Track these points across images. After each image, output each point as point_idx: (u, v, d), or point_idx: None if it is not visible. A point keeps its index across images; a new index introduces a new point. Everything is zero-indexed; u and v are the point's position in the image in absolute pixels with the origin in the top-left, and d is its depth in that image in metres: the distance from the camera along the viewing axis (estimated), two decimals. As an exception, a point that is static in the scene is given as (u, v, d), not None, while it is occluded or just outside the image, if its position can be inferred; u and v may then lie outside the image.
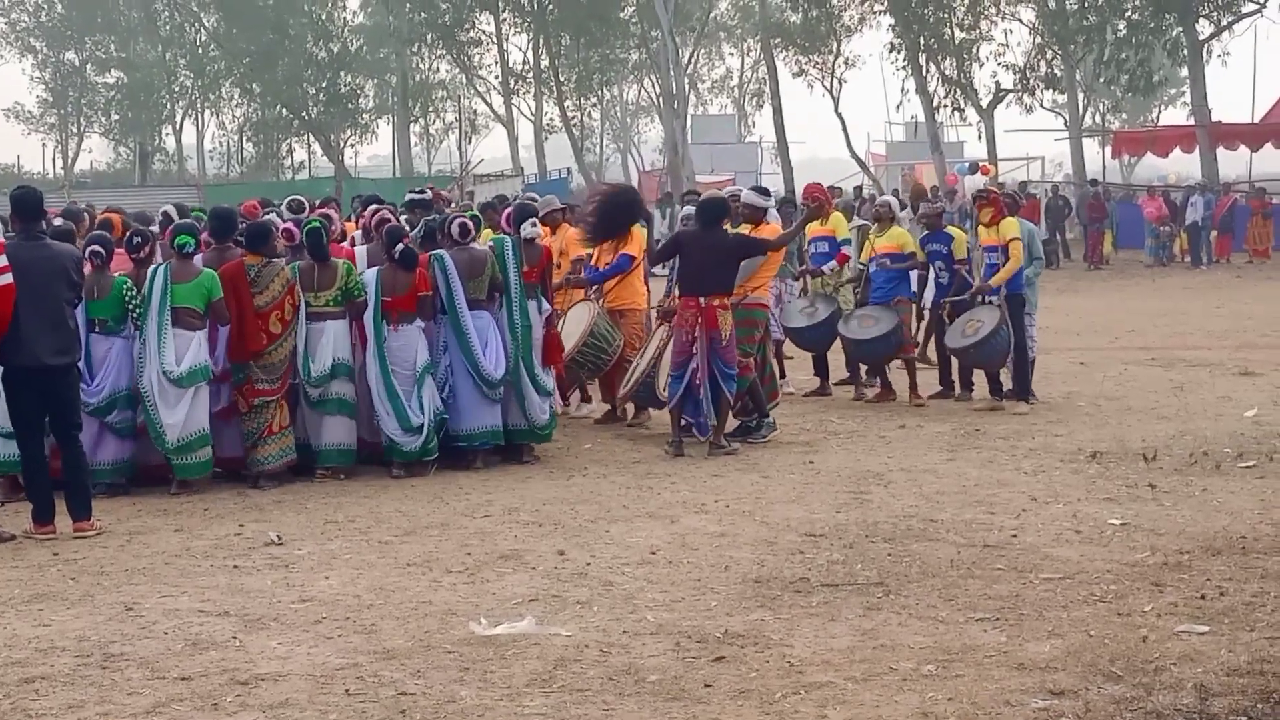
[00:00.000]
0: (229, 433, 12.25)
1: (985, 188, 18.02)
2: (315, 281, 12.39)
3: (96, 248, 11.90)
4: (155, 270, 11.90)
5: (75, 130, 68.77)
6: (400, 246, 12.53)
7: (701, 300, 12.96)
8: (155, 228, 13.66)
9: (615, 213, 13.73)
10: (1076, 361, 18.89)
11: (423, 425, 12.35)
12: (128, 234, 12.69)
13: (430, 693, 6.79)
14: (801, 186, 19.60)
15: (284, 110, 62.00)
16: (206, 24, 63.53)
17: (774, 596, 8.29)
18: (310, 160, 70.09)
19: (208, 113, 70.53)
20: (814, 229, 16.23)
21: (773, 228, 14.52)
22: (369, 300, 12.39)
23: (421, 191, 15.22)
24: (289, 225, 13.17)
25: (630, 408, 14.95)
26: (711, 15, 65.91)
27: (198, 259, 12.13)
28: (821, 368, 16.78)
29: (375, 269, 12.64)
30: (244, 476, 12.24)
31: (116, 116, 67.06)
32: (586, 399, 15.73)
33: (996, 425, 14.25)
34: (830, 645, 7.38)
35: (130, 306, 11.80)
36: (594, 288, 14.70)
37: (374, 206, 14.53)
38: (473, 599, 8.36)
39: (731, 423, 13.53)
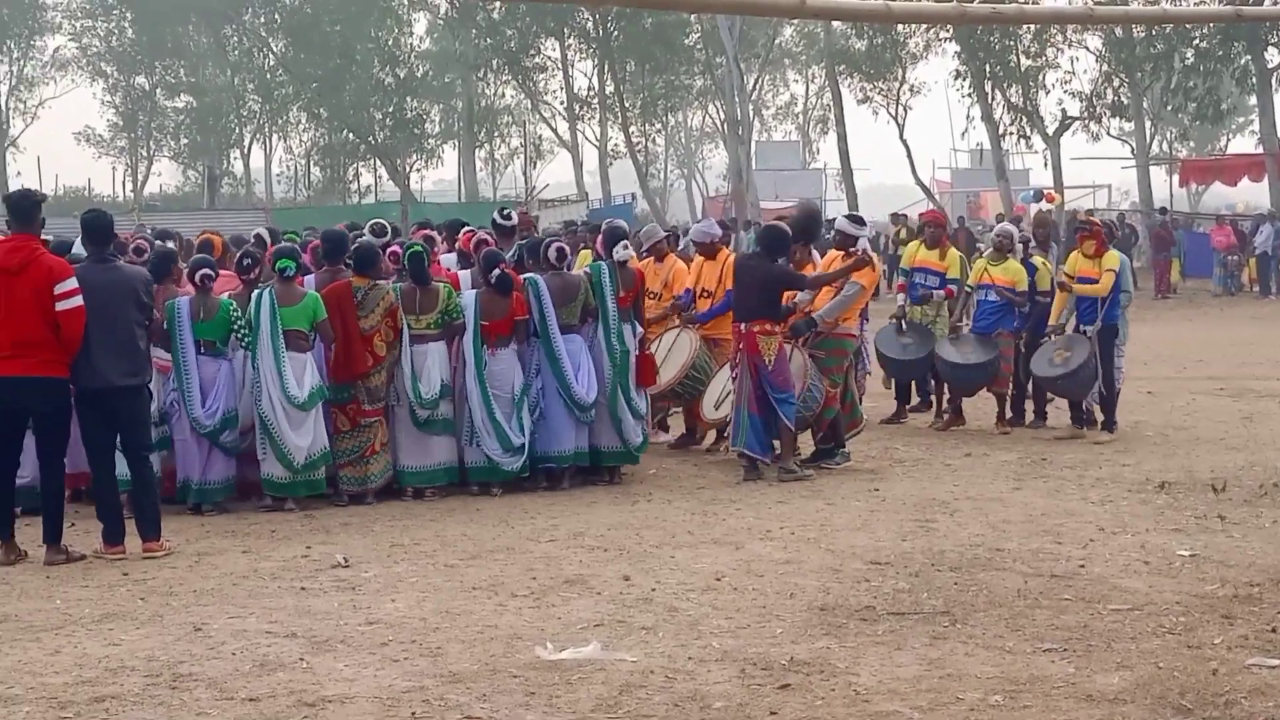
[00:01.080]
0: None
1: (1087, 218, 17.81)
2: (417, 304, 12.50)
3: (205, 270, 12.03)
4: (259, 295, 12.04)
5: (145, 154, 69.34)
6: (497, 271, 12.60)
7: (743, 326, 13.01)
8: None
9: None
10: (1144, 391, 18.75)
11: (523, 446, 12.48)
12: (239, 255, 12.85)
13: (496, 717, 6.80)
14: (867, 212, 19.53)
15: (350, 135, 62.36)
16: (275, 49, 64.00)
17: (839, 624, 8.27)
18: (376, 185, 70.43)
19: (275, 137, 70.97)
20: (924, 259, 16.21)
21: (830, 258, 14.57)
22: (468, 324, 12.47)
23: (508, 216, 15.29)
24: (395, 248, 13.27)
25: (711, 434, 14.98)
26: (776, 42, 65.86)
27: (309, 280, 12.22)
28: (903, 394, 16.72)
29: (474, 292, 12.75)
30: (334, 494, 12.35)
31: (185, 140, 67.59)
32: (664, 427, 15.72)
33: (1063, 454, 14.17)
34: (896, 674, 7.34)
35: (235, 328, 11.92)
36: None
37: (468, 229, 14.74)
38: (538, 623, 8.37)
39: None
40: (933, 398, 16.62)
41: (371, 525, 11.47)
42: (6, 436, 10.42)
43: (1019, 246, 15.91)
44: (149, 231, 19.27)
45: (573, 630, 8.19)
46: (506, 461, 12.51)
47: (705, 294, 14.85)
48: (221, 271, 12.68)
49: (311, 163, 69.68)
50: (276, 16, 62.77)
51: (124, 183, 70.26)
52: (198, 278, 12.04)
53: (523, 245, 13.96)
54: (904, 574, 9.44)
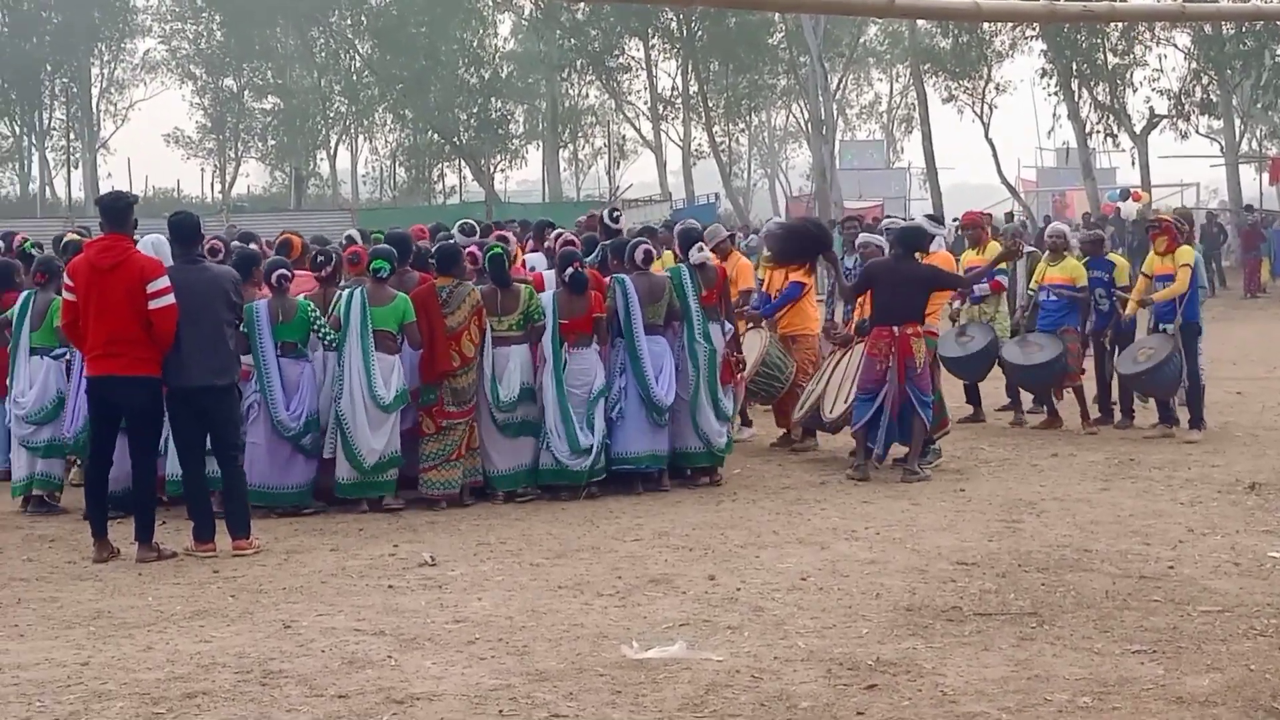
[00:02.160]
0: (408, 453, 12.37)
1: (1156, 216, 17.70)
2: (499, 306, 12.52)
3: (282, 271, 12.13)
4: (350, 294, 12.09)
5: (233, 155, 69.95)
6: (571, 270, 12.64)
7: (895, 329, 12.99)
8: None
9: (803, 242, 13.73)
10: (1233, 391, 18.56)
11: (591, 447, 12.47)
12: (313, 254, 12.95)
13: (582, 715, 6.83)
14: (951, 212, 19.44)
15: (435, 135, 62.70)
16: (361, 51, 64.39)
17: (926, 625, 8.24)
18: (461, 185, 70.73)
19: (361, 138, 71.40)
20: (968, 258, 16.18)
21: (944, 256, 14.58)
22: (548, 324, 12.51)
23: (616, 219, 15.37)
24: (473, 249, 13.36)
25: (798, 431, 14.98)
26: (861, 41, 65.66)
27: (393, 282, 12.32)
28: (973, 395, 16.66)
29: (552, 292, 12.77)
30: (420, 496, 12.38)
31: (273, 141, 68.12)
32: (748, 423, 15.73)
33: (1152, 455, 14.06)
34: (984, 675, 7.31)
35: (315, 327, 11.99)
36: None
37: (557, 231, 14.80)
38: (624, 622, 8.40)
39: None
40: (1016, 397, 16.55)
41: (458, 524, 11.53)
42: (101, 434, 10.58)
43: (1073, 243, 15.89)
44: (228, 232, 19.47)
45: (658, 629, 8.21)
46: (574, 463, 12.47)
47: (778, 293, 14.86)
48: (298, 272, 12.77)
49: (397, 163, 70.13)
50: (363, 18, 63.15)
51: (212, 184, 70.92)
52: (274, 279, 12.10)
53: (607, 246, 13.99)
54: (990, 574, 9.40)
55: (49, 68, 67.07)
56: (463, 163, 65.79)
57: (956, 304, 16.16)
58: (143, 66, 69.53)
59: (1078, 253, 16.04)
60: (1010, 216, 42.94)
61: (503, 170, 67.78)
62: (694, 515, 11.67)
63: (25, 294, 12.70)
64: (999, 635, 8.02)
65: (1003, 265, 15.49)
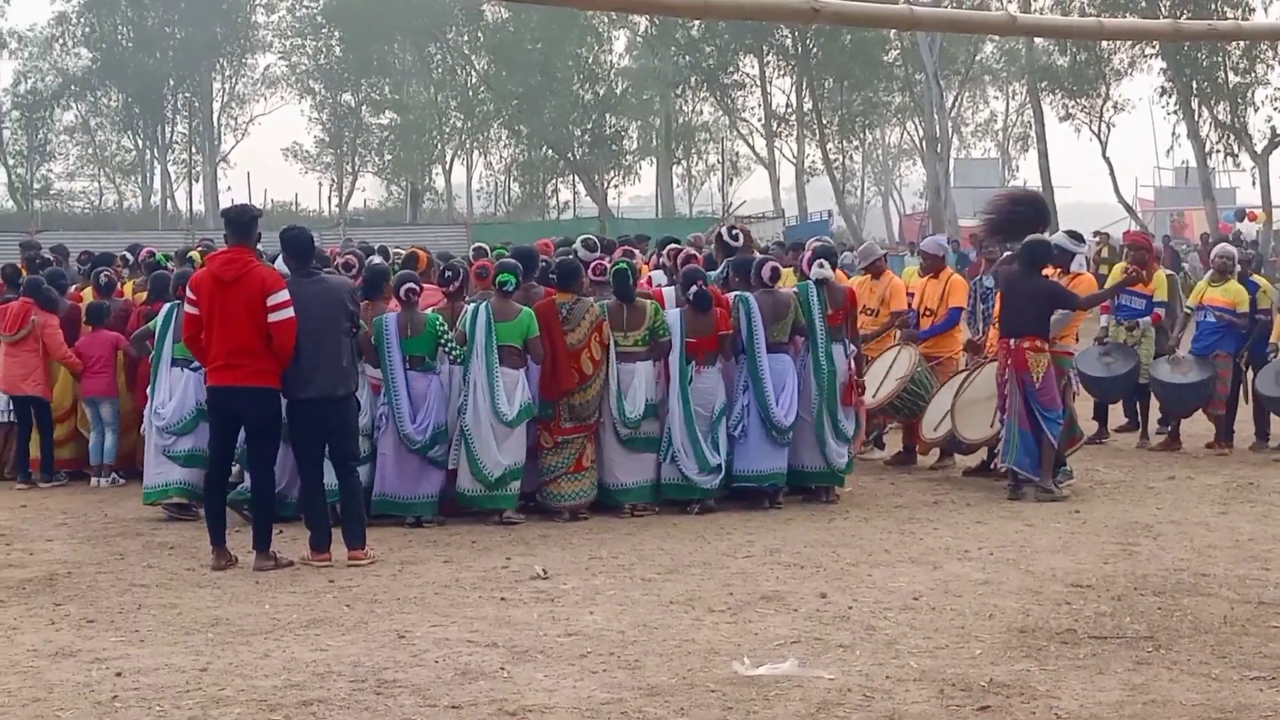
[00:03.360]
0: (530, 467, 12.43)
1: None
2: (624, 322, 12.56)
3: (410, 285, 12.24)
4: (475, 308, 12.17)
5: (350, 169, 70.60)
6: (695, 288, 12.65)
7: (1012, 342, 12.92)
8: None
9: (1020, 216, 13.69)
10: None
11: (720, 465, 12.48)
12: (441, 269, 13.07)
13: (694, 730, 6.85)
14: (1090, 232, 19.27)
15: (550, 151, 62.97)
16: (477, 67, 64.85)
17: (1040, 647, 8.18)
18: (575, 200, 71.03)
19: (476, 153, 71.91)
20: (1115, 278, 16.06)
21: (1087, 280, 14.52)
22: (674, 341, 12.53)
23: (736, 236, 15.38)
24: (599, 263, 13.42)
25: (935, 452, 14.94)
26: (977, 58, 65.23)
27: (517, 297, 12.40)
28: (1101, 413, 16.50)
29: (679, 309, 12.78)
30: (540, 510, 12.47)
31: (389, 156, 68.65)
32: (879, 444, 15.68)
33: (1272, 479, 13.86)
34: (1098, 699, 7.25)
35: (442, 341, 12.09)
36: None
37: (672, 246, 14.85)
38: (735, 639, 8.40)
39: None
40: (1140, 419, 16.39)
41: (570, 538, 11.58)
42: (220, 444, 10.74)
43: (1238, 266, 15.66)
44: (356, 245, 19.68)
45: (770, 646, 8.21)
46: (703, 481, 12.51)
47: (927, 312, 14.87)
48: (425, 286, 12.88)
49: (511, 179, 70.52)
50: (479, 35, 63.57)
51: (330, 198, 71.68)
52: (402, 293, 12.22)
53: (730, 263, 13.98)
54: (1106, 597, 9.31)
55: (172, 82, 68.15)
56: (576, 178, 66.03)
57: (1105, 320, 16.01)
58: (263, 81, 70.48)
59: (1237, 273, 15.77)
60: (1167, 240, 42.52)
61: (616, 186, 67.96)
62: (805, 532, 11.65)
63: (168, 306, 12.88)
64: (1114, 659, 7.94)
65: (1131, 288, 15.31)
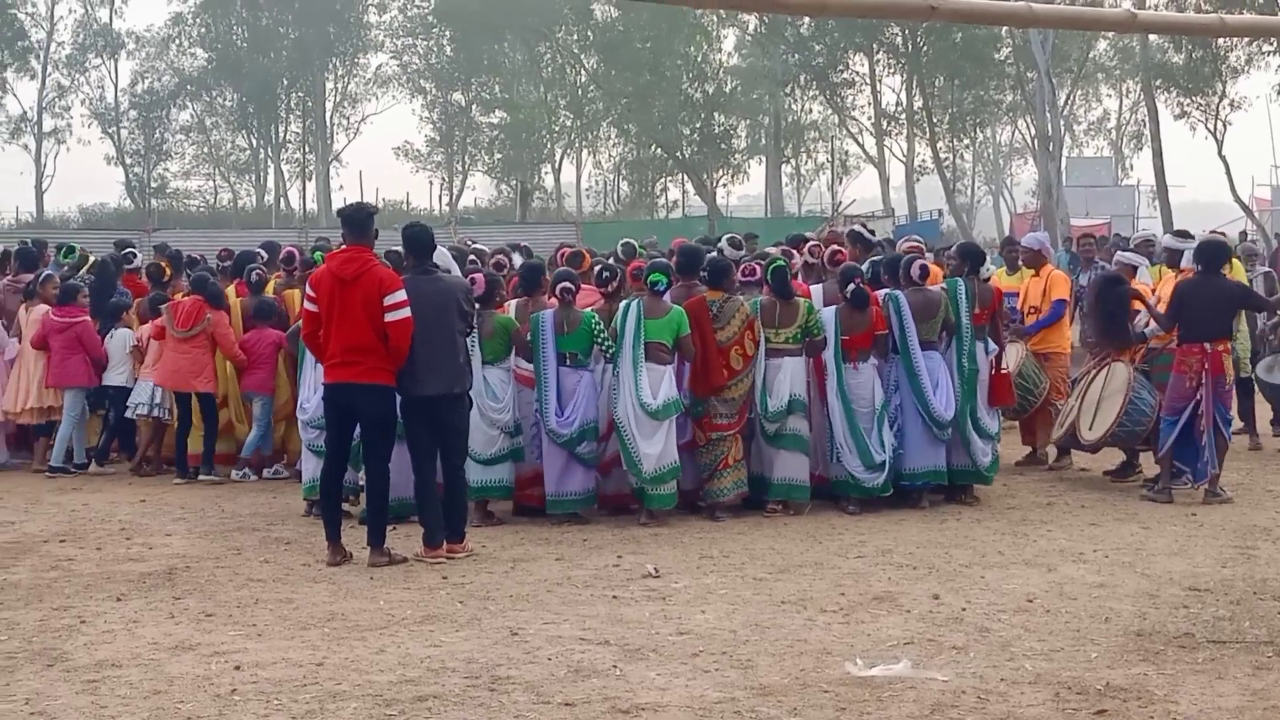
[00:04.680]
0: (688, 465, 12.48)
1: None
2: (777, 318, 12.58)
3: (567, 284, 12.33)
4: (628, 306, 12.25)
5: (460, 168, 71.09)
6: (852, 286, 12.66)
7: (1207, 346, 12.81)
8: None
9: None
10: None
11: (884, 463, 12.50)
12: (598, 269, 13.17)
13: (807, 730, 6.84)
14: (1205, 232, 19.01)
15: (659, 150, 63.02)
16: (587, 66, 65.03)
17: (1157, 651, 8.09)
18: (683, 199, 71.08)
19: (585, 152, 72.11)
20: None
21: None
22: (828, 339, 12.54)
23: (872, 231, 15.40)
24: (750, 261, 13.42)
25: (1052, 451, 14.82)
26: (1090, 56, 64.58)
27: (666, 295, 12.46)
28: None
29: (834, 307, 12.79)
30: (699, 508, 12.50)
31: (499, 155, 69.03)
32: None
33: (1393, 483, 13.65)
34: (1217, 704, 7.16)
35: (598, 339, 12.17)
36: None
37: (813, 244, 14.93)
38: (847, 639, 8.38)
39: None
40: (1249, 421, 16.20)
41: (681, 537, 11.59)
42: (337, 441, 10.85)
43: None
44: (458, 244, 19.83)
45: (883, 647, 8.18)
46: (868, 479, 12.52)
47: (1031, 310, 14.81)
48: (582, 286, 12.97)
49: (620, 177, 70.67)
50: (589, 34, 63.73)
51: (440, 196, 72.17)
52: (559, 291, 12.33)
53: (877, 261, 13.95)
54: (1224, 601, 9.20)
55: (285, 82, 68.95)
56: (685, 177, 66.06)
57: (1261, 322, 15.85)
58: (375, 81, 71.14)
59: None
60: (1244, 236, 41.88)
61: (725, 185, 67.93)
62: (917, 533, 11.60)
63: None
64: (1233, 664, 7.84)
65: None
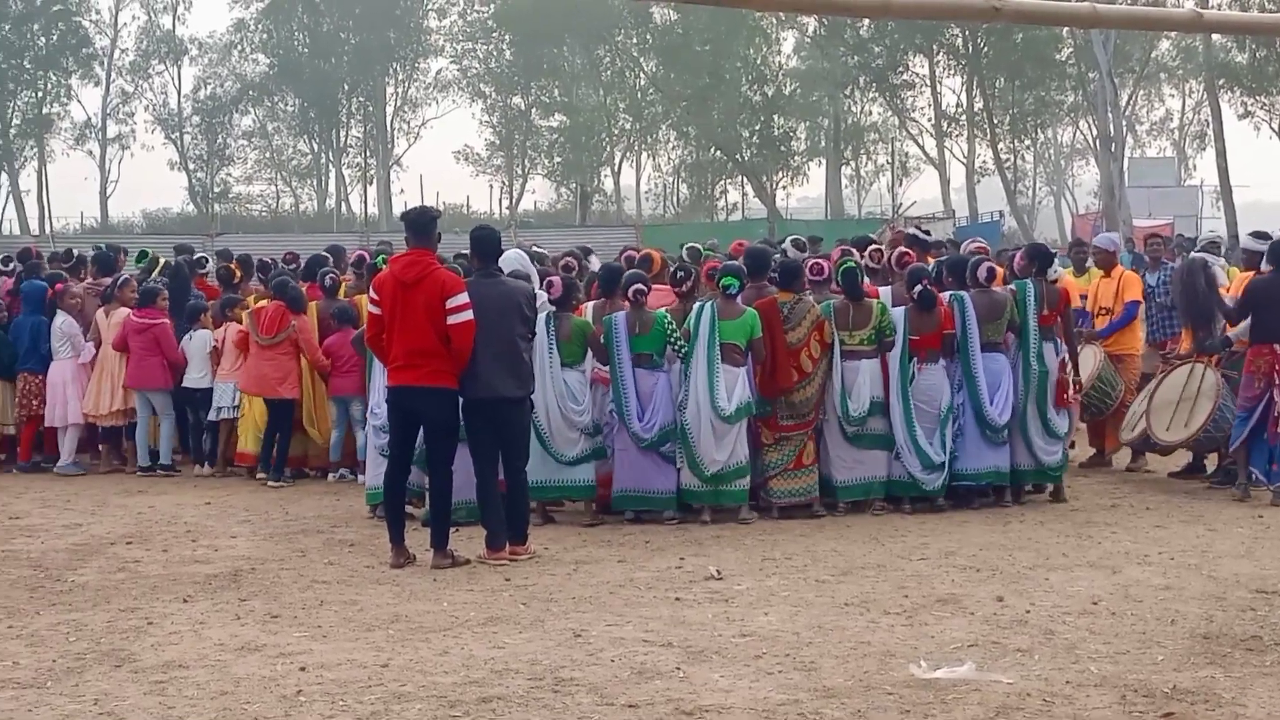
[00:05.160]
0: (752, 463, 12.49)
1: None
2: (850, 320, 12.59)
3: (639, 285, 12.37)
4: (701, 308, 12.27)
5: (520, 172, 71.32)
6: (919, 287, 12.66)
7: (1277, 347, 12.76)
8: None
9: None
10: None
11: (943, 464, 12.51)
12: (673, 269, 13.20)
13: (871, 732, 6.82)
14: (1245, 231, 18.86)
15: (718, 152, 63.08)
16: (646, 69, 65.13)
17: (1224, 654, 8.03)
18: (743, 201, 71.07)
19: (645, 154, 72.22)
20: None
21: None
22: (897, 339, 12.56)
23: (929, 231, 15.36)
24: (819, 260, 13.44)
25: (1124, 453, 14.80)
26: (1152, 56, 64.22)
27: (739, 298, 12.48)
28: None
29: (903, 308, 12.79)
30: (757, 506, 12.52)
31: (559, 159, 69.28)
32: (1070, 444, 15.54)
33: None
34: (1286, 707, 7.11)
35: (671, 340, 12.19)
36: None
37: (874, 249, 14.93)
38: (911, 641, 8.35)
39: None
40: None
41: (743, 539, 11.59)
42: (400, 444, 10.89)
43: None
44: (530, 245, 19.90)
45: (946, 649, 8.15)
46: (927, 480, 12.54)
47: (1102, 311, 14.73)
48: (656, 287, 13.00)
49: (679, 180, 70.73)
50: (648, 37, 63.89)
51: (500, 200, 72.47)
52: (631, 293, 12.35)
53: (942, 262, 13.92)
54: (1292, 604, 9.13)
55: (346, 87, 69.35)
56: (744, 179, 66.08)
57: None
58: (435, 85, 71.48)
59: None
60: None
61: (784, 187, 67.98)
62: (980, 535, 11.56)
63: None
64: (1301, 667, 7.78)
65: None
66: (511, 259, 12.12)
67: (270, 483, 14.61)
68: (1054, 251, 14.29)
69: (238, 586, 10.08)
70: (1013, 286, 13.16)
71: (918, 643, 8.30)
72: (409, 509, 11.47)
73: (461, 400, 10.75)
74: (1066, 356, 13.13)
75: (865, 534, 11.69)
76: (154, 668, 7.96)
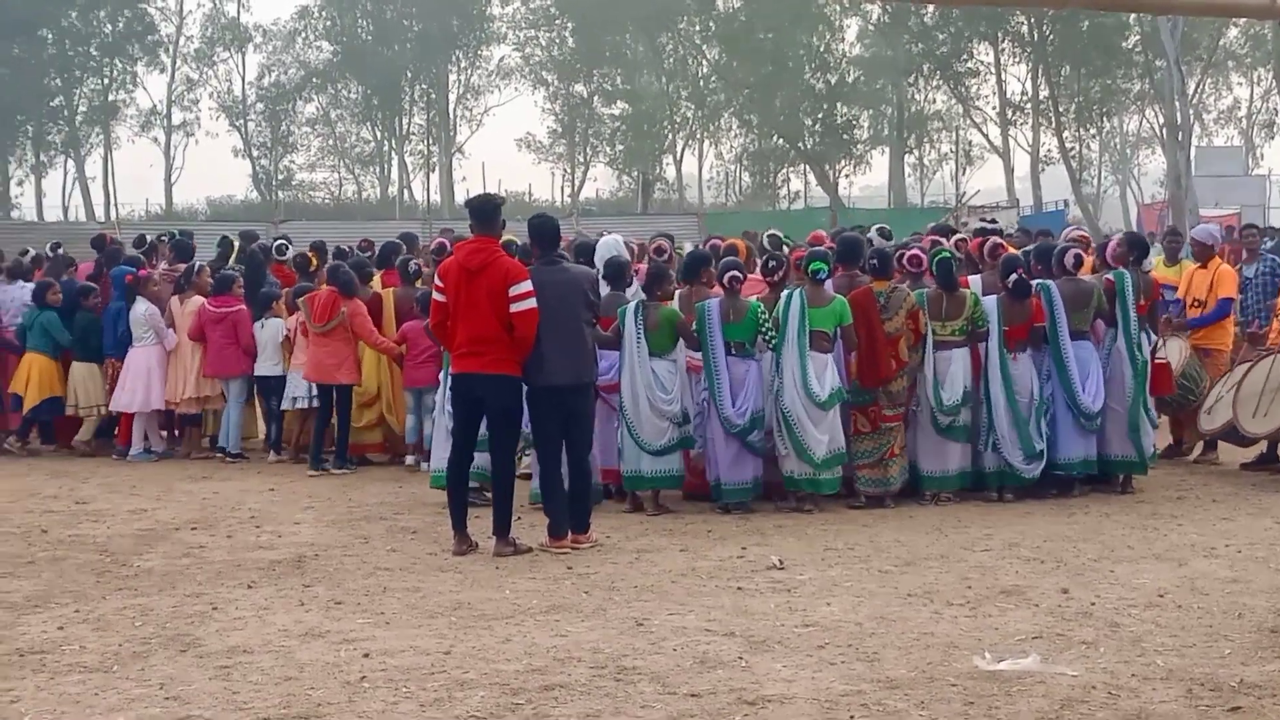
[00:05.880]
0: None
1: None
2: (944, 311, 12.58)
3: (734, 273, 12.38)
4: (790, 295, 12.27)
5: (582, 159, 71.33)
6: (1014, 277, 12.62)
7: None
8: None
9: None
10: None
11: (1043, 452, 12.49)
12: (764, 258, 13.21)
13: (935, 724, 6.79)
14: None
15: (781, 140, 62.92)
16: (709, 56, 65.03)
17: (1292, 648, 7.96)
18: (805, 190, 70.88)
19: (707, 142, 72.09)
20: None
21: None
22: (991, 329, 12.52)
23: (994, 220, 15.29)
24: (915, 251, 13.41)
25: (1199, 445, 14.72)
26: (1220, 44, 63.65)
27: (828, 284, 12.48)
28: None
29: (994, 297, 12.76)
30: (851, 494, 12.55)
31: (621, 146, 69.22)
32: None
33: None
34: (1355, 702, 7.03)
35: (762, 328, 12.19)
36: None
37: (959, 238, 14.93)
38: (975, 633, 8.31)
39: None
40: None
41: (805, 528, 11.57)
42: (464, 431, 10.91)
43: None
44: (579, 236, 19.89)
45: (1010, 641, 8.10)
46: (1027, 470, 12.54)
47: (1195, 303, 14.62)
48: (750, 276, 13.00)
49: (742, 168, 70.58)
50: (711, 24, 63.79)
51: (562, 188, 72.49)
52: (726, 280, 12.36)
53: (1029, 251, 13.85)
54: (1362, 598, 9.03)
55: (409, 74, 69.51)
56: (807, 167, 65.90)
57: None
58: (497, 73, 71.51)
59: None
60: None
61: (847, 175, 67.75)
62: (1045, 527, 11.49)
63: None
64: (1372, 662, 7.70)
65: None
66: (610, 245, 12.13)
67: (333, 470, 14.64)
68: (1146, 242, 14.17)
69: (301, 573, 10.13)
70: (1109, 275, 13.05)
71: (981, 634, 8.26)
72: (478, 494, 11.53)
73: (525, 387, 10.76)
74: (1153, 346, 13.06)
75: (928, 524, 11.65)
76: (219, 653, 8.01)
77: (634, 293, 12.82)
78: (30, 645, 8.22)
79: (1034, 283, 12.79)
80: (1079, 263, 12.92)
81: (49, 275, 17.19)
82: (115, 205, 66.00)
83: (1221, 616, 8.62)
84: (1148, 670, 7.54)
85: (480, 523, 11.02)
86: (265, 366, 15.56)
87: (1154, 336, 13.08)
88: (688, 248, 15.70)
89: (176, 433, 16.64)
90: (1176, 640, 8.11)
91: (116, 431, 16.34)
